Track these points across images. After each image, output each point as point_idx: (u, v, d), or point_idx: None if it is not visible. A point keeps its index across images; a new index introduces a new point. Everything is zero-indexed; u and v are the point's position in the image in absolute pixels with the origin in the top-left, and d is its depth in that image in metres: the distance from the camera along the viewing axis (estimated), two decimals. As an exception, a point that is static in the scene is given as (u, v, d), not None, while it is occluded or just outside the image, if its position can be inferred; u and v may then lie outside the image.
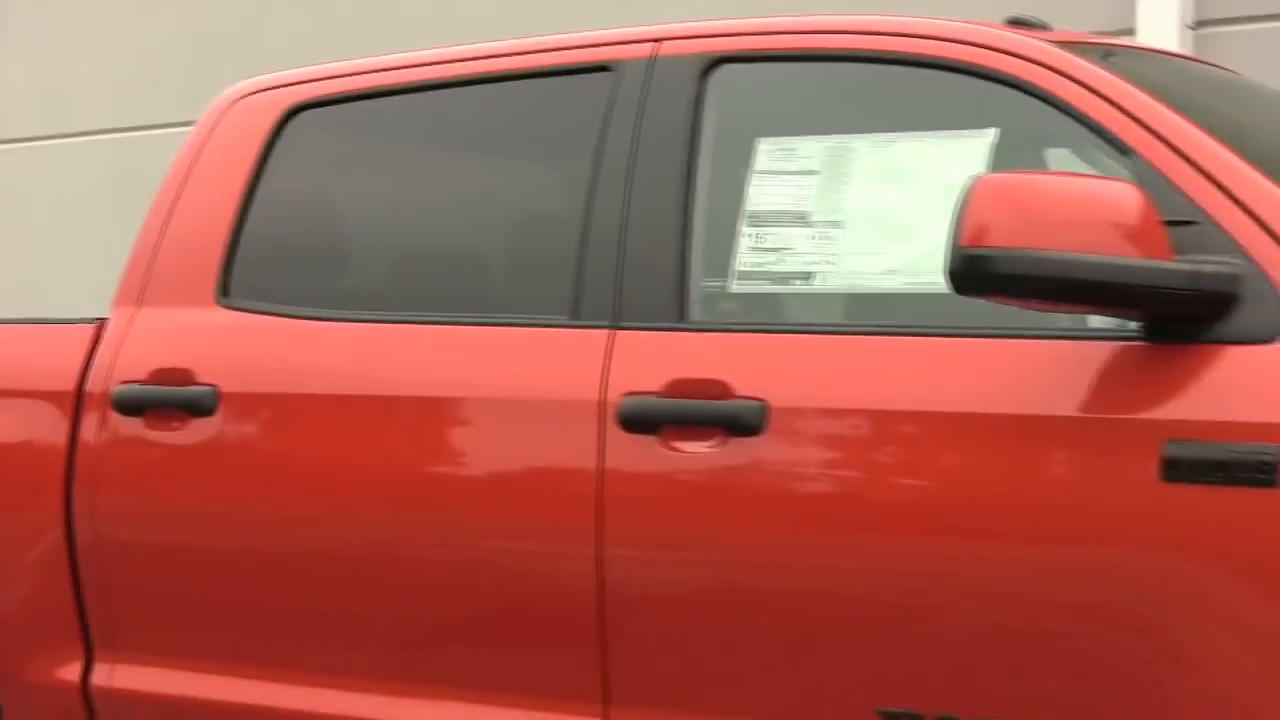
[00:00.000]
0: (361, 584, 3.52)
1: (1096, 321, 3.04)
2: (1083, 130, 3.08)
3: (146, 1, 9.22)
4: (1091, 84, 3.10)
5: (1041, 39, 3.23)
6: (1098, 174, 2.97)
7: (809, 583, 3.11)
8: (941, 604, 3.00)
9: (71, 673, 3.83)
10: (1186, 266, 2.83)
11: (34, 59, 9.56)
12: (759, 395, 3.14)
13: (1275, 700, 2.74)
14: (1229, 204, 2.92)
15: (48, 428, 3.87)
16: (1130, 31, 6.26)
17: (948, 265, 2.80)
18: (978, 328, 3.05)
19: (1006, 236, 2.77)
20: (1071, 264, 2.77)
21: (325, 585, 3.56)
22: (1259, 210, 2.90)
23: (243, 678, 3.65)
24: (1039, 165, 3.34)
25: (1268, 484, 2.75)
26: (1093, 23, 6.41)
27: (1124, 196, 2.83)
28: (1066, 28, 6.33)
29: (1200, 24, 6.21)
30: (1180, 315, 2.87)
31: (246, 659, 3.65)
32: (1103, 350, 2.93)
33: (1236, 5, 6.17)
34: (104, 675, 3.82)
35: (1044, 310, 2.88)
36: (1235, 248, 2.88)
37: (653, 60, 3.48)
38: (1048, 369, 2.96)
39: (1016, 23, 3.38)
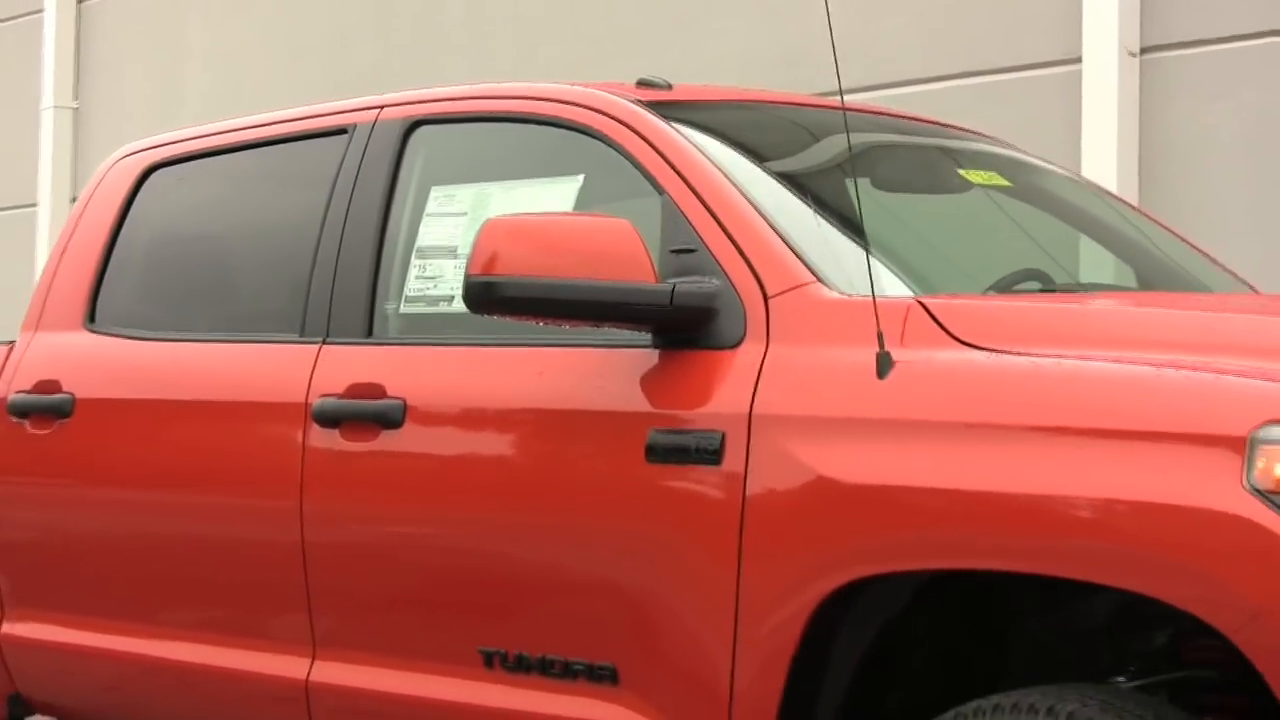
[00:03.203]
0: (159, 553, 4.38)
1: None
2: (638, 174, 3.74)
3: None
4: (646, 135, 3.75)
5: (629, 97, 3.88)
6: (601, 214, 3.60)
7: (428, 547, 3.84)
8: (510, 564, 3.69)
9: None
10: (665, 287, 3.47)
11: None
12: (402, 395, 3.88)
13: (718, 635, 3.35)
14: (720, 234, 3.55)
15: None
16: (1077, 60, 6.68)
17: (463, 291, 3.50)
18: (556, 339, 3.72)
19: (510, 266, 3.45)
20: (561, 287, 3.44)
21: (145, 555, 4.43)
22: (738, 238, 3.53)
23: (104, 632, 4.55)
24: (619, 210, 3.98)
25: (715, 463, 3.38)
26: (1043, 54, 6.88)
27: (614, 230, 3.48)
28: (1021, 60, 6.85)
29: (1145, 50, 6.58)
30: (669, 327, 3.51)
31: (107, 614, 4.55)
32: (626, 356, 3.59)
33: (1177, 31, 6.52)
34: (11, 628, 4.76)
35: (551, 325, 3.54)
36: (718, 269, 3.51)
37: (374, 124, 4.24)
38: (587, 371, 3.63)
39: (642, 84, 4.02)
